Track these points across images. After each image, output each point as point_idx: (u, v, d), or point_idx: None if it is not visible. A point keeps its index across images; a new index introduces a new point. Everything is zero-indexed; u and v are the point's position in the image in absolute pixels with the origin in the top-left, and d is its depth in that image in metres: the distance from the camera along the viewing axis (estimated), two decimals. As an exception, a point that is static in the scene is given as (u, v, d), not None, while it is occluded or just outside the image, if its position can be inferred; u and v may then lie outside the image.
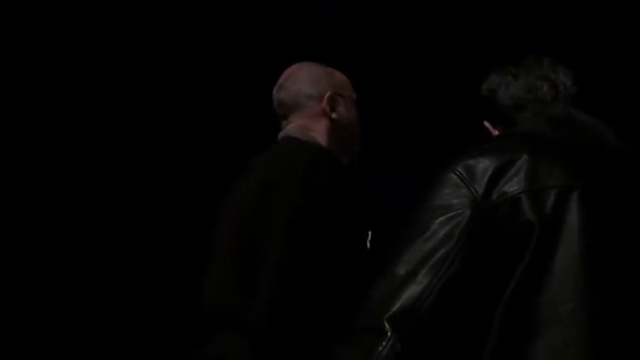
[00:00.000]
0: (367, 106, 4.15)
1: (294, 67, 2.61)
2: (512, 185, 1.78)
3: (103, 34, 3.97)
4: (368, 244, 2.50)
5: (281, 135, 2.52)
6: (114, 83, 4.01)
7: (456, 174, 1.82)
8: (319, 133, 2.50)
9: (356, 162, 2.60)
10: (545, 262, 1.75)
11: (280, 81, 2.58)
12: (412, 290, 1.74)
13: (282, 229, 2.23)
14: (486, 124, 2.18)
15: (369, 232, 2.49)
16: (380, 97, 4.15)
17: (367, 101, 4.15)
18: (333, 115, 2.53)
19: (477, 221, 1.77)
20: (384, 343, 1.72)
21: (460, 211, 1.77)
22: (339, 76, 2.60)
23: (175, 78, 3.97)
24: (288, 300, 2.20)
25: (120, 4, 3.97)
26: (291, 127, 2.51)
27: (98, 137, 4.00)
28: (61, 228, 3.96)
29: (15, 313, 3.88)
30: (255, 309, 2.19)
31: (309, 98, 2.52)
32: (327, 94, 2.52)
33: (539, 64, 2.11)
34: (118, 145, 4.00)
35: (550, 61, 2.12)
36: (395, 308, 1.74)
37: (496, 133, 2.15)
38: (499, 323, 1.74)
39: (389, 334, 1.72)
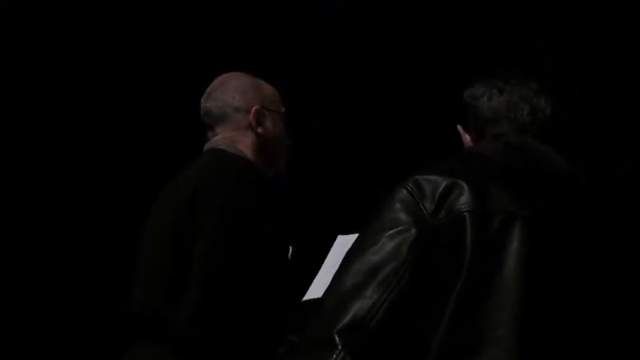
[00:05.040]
0: (367, 106, 4.17)
1: (223, 77, 2.61)
2: (459, 204, 1.79)
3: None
4: (289, 257, 2.52)
5: (207, 146, 2.54)
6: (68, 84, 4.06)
7: (407, 189, 1.83)
8: (245, 146, 2.52)
9: (281, 174, 2.61)
10: (483, 286, 1.76)
11: (209, 90, 2.59)
12: (361, 304, 1.75)
13: (210, 238, 2.28)
14: (459, 127, 2.22)
15: (290, 247, 2.51)
16: (380, 97, 4.15)
17: (367, 101, 4.17)
18: (259, 130, 2.54)
19: (424, 238, 1.77)
20: (334, 356, 1.72)
21: (408, 226, 1.79)
22: (268, 89, 2.60)
23: (170, 78, 4.02)
24: (213, 306, 2.24)
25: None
26: (218, 138, 2.53)
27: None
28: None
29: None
30: (180, 316, 2.24)
31: (236, 111, 2.54)
32: (255, 107, 2.54)
33: (526, 86, 2.14)
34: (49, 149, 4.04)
35: (536, 87, 2.15)
36: (345, 321, 1.74)
37: (467, 137, 2.19)
38: (439, 340, 1.75)
39: (339, 347, 1.72)
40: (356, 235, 2.59)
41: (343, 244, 2.63)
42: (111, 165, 4.02)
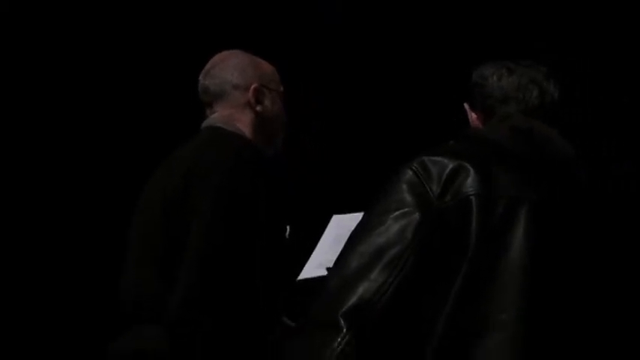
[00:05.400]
0: (367, 106, 4.16)
1: (222, 54, 2.60)
2: (465, 187, 1.80)
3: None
4: (287, 237, 2.49)
5: (205, 124, 2.51)
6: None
7: (412, 170, 1.83)
8: (244, 124, 2.49)
9: (278, 153, 2.58)
10: (488, 269, 1.76)
11: (207, 67, 2.57)
12: (367, 287, 1.74)
13: (205, 219, 2.23)
14: (466, 105, 2.20)
15: (288, 226, 2.48)
16: (379, 97, 4.14)
17: (367, 101, 4.16)
18: (258, 108, 2.52)
19: (430, 220, 1.77)
20: (339, 339, 1.71)
21: (414, 208, 1.78)
22: (267, 68, 2.58)
23: (167, 79, 4.02)
24: (208, 290, 2.20)
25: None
26: (216, 116, 2.50)
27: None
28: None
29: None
30: (175, 298, 2.19)
31: (235, 88, 2.51)
32: (254, 85, 2.51)
33: (536, 69, 2.14)
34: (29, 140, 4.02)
35: (546, 71, 2.15)
36: (350, 304, 1.73)
37: (473, 116, 2.18)
38: (444, 323, 1.74)
39: (344, 330, 1.71)
40: (351, 215, 2.59)
41: (338, 223, 2.61)
42: (106, 142, 4.00)
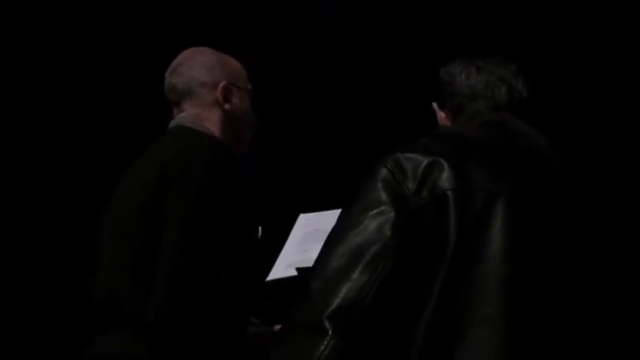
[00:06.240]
0: (367, 106, 4.11)
1: (189, 51, 2.55)
2: (441, 182, 1.79)
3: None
4: (258, 237, 2.45)
5: (173, 123, 2.47)
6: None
7: (387, 168, 1.83)
8: (212, 123, 2.45)
9: (247, 152, 2.54)
10: (468, 264, 1.76)
11: (173, 65, 2.52)
12: (350, 287, 1.73)
13: (180, 220, 2.20)
14: (435, 105, 2.21)
15: (260, 227, 2.44)
16: (379, 97, 4.10)
17: (367, 101, 4.12)
18: (226, 106, 2.48)
19: (407, 217, 1.77)
20: (325, 342, 1.70)
21: (391, 205, 1.78)
22: (235, 65, 2.54)
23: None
24: (186, 293, 2.16)
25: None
26: (185, 115, 2.46)
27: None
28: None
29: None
30: (151, 301, 2.15)
31: (202, 86, 2.47)
32: (222, 83, 2.47)
33: (505, 67, 2.13)
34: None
35: (515, 69, 2.14)
36: (334, 305, 1.71)
37: (442, 115, 2.19)
38: (427, 321, 1.74)
39: (330, 332, 1.70)
40: (318, 214, 2.56)
41: (305, 222, 2.58)
42: (70, 143, 3.97)
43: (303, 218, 2.62)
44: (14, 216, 3.95)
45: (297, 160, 3.99)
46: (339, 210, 2.47)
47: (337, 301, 1.71)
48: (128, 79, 3.99)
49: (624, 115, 3.68)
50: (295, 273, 2.43)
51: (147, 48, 3.99)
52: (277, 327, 2.41)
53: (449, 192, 1.78)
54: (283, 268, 2.49)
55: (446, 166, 1.80)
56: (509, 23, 3.86)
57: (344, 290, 1.72)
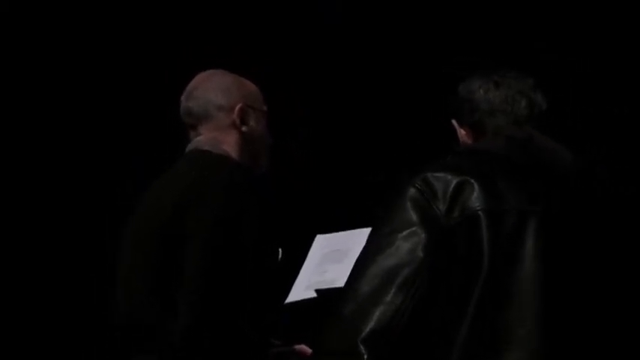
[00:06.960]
0: (367, 106, 4.12)
1: (204, 74, 2.55)
2: (472, 202, 1.78)
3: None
4: (279, 259, 2.47)
5: (190, 147, 2.48)
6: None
7: (416, 187, 1.81)
8: (229, 145, 2.45)
9: (264, 174, 2.55)
10: (502, 285, 1.75)
11: (189, 89, 2.52)
12: (384, 311, 1.71)
13: (203, 244, 2.22)
14: (454, 122, 2.17)
15: (280, 249, 2.46)
16: (379, 98, 4.10)
17: (367, 101, 4.12)
18: (244, 129, 2.48)
19: (439, 238, 1.76)
20: None
21: (421, 226, 1.76)
22: (251, 87, 2.55)
23: (168, 79, 3.98)
24: (209, 317, 2.18)
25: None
26: (202, 139, 2.46)
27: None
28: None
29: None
30: (175, 326, 2.18)
31: (219, 109, 2.47)
32: (239, 105, 2.48)
33: (523, 81, 2.11)
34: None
35: (533, 82, 2.12)
36: (368, 329, 1.70)
37: (462, 132, 2.15)
38: (462, 342, 1.73)
39: (365, 357, 1.68)
40: (336, 234, 2.58)
41: (322, 243, 2.59)
42: (87, 165, 3.96)
43: (320, 239, 2.62)
44: (14, 216, 3.95)
45: (297, 160, 3.99)
46: (357, 230, 2.48)
47: (371, 324, 1.70)
48: (128, 79, 3.97)
49: (624, 115, 3.69)
50: (315, 295, 2.44)
51: (147, 48, 3.98)
52: (298, 347, 2.44)
53: (480, 212, 1.77)
54: (302, 289, 2.50)
55: (476, 185, 1.79)
56: (510, 23, 3.86)
57: (377, 314, 1.71)
